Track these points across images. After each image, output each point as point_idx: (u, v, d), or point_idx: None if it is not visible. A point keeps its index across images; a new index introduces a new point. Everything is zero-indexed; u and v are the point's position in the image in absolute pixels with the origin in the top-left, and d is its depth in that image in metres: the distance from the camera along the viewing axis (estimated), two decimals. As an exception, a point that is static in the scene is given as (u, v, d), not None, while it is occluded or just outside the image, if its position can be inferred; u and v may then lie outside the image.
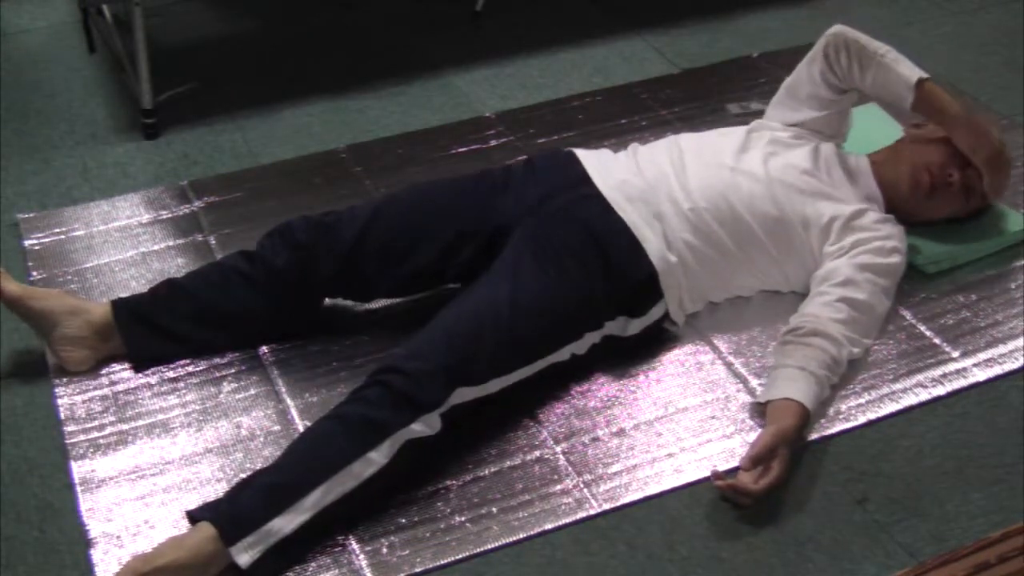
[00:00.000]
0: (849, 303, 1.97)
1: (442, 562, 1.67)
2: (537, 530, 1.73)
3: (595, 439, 1.88)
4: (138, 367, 2.00)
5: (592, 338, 1.95)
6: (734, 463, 1.81)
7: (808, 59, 2.19)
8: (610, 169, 2.09)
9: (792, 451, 1.80)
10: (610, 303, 1.95)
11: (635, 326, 1.99)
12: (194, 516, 1.67)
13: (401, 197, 2.10)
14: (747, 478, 1.74)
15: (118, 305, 2.01)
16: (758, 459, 1.73)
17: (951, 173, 2.11)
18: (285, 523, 1.63)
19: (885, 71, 2.09)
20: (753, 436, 1.82)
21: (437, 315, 1.86)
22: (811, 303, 1.99)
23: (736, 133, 2.19)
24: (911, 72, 2.08)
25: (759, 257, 2.08)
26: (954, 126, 2.10)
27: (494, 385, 1.82)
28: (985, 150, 2.09)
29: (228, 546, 1.61)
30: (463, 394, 1.77)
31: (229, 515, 1.64)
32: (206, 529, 1.62)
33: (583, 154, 2.13)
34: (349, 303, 2.13)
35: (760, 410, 1.90)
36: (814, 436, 1.88)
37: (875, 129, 2.41)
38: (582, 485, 1.80)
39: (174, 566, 1.59)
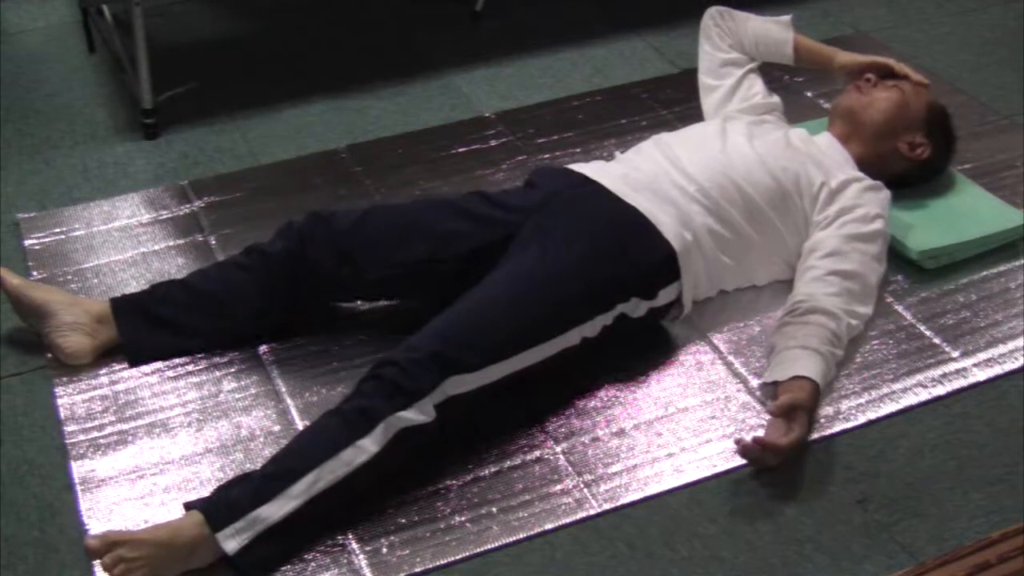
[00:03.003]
0: (840, 275, 2.00)
1: (442, 562, 1.67)
2: (537, 530, 1.73)
3: (595, 439, 1.88)
4: (134, 360, 2.00)
5: (603, 320, 1.93)
6: (735, 463, 1.82)
7: (703, 38, 2.46)
8: (608, 170, 2.11)
9: (810, 420, 1.84)
10: (625, 286, 1.94)
11: (643, 307, 1.98)
12: (188, 507, 1.68)
13: (401, 199, 2.13)
14: (776, 428, 1.79)
15: (116, 298, 2.03)
16: (782, 410, 1.79)
17: (867, 77, 2.30)
18: (274, 510, 1.63)
19: (760, 23, 2.39)
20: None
21: (439, 314, 1.85)
22: (802, 280, 2.02)
23: (713, 123, 2.26)
24: (779, 19, 2.38)
25: (768, 231, 2.10)
26: (836, 52, 2.39)
27: (493, 372, 1.79)
28: (869, 54, 2.38)
29: (215, 532, 1.61)
30: (459, 382, 1.75)
31: (217, 502, 1.65)
32: (193, 515, 1.63)
33: (578, 165, 2.15)
34: (349, 303, 2.13)
35: (768, 391, 1.92)
36: (814, 436, 1.88)
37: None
38: (582, 485, 1.80)
39: (151, 542, 1.59)
